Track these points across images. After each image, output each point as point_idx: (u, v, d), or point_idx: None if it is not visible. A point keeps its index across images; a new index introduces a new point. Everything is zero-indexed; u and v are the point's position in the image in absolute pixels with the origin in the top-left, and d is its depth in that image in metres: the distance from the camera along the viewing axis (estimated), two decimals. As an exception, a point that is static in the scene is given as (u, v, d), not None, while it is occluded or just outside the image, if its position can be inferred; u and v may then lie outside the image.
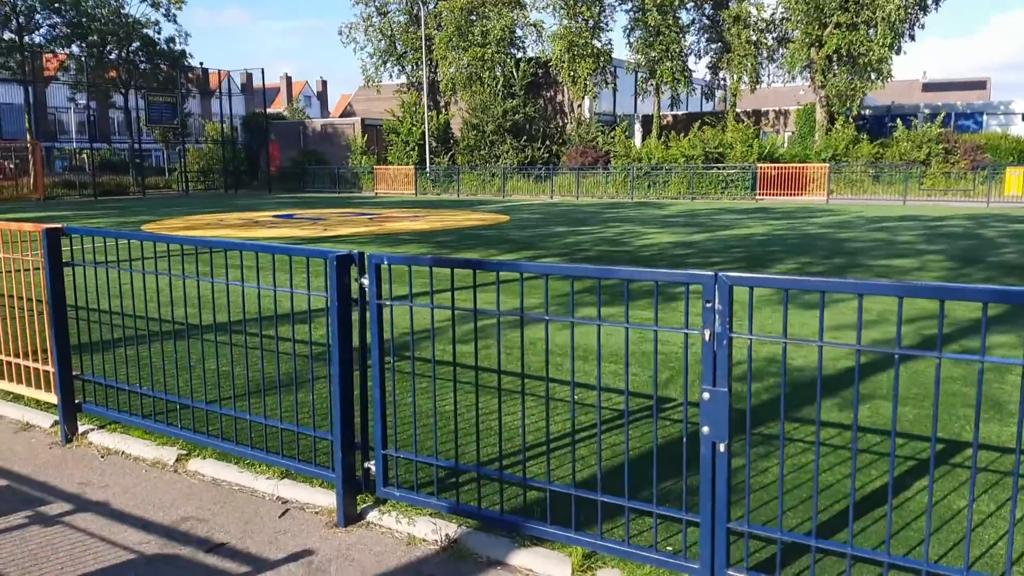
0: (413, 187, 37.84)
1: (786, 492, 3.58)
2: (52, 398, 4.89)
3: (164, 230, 18.15)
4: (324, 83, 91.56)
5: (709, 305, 2.65)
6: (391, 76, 45.27)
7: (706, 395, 2.69)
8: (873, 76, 33.69)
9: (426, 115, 39.34)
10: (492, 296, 8.01)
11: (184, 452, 4.29)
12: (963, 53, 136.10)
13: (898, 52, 33.46)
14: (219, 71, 43.88)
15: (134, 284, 4.50)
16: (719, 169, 32.12)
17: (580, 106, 39.87)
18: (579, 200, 32.38)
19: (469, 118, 39.03)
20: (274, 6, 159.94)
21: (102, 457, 4.38)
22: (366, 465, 3.62)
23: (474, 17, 39.81)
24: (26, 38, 38.66)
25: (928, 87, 64.69)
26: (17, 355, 5.32)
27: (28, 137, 37.76)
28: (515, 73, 38.82)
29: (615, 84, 39.49)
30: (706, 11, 38.20)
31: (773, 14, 36.72)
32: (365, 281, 3.51)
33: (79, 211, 26.04)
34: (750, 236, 16.11)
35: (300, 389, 4.76)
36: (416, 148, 40.26)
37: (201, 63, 54.07)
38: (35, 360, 5.12)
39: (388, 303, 3.45)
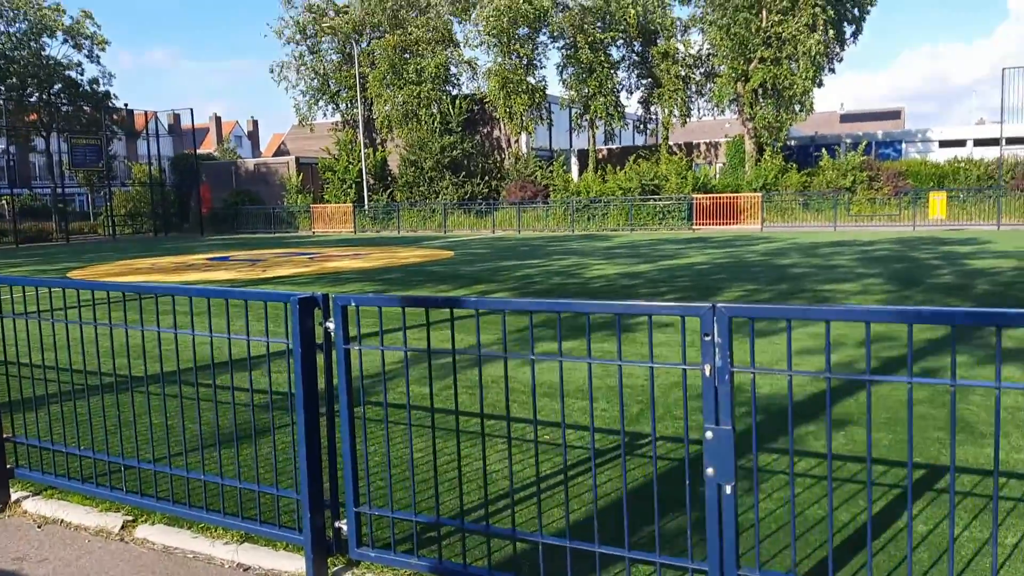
0: (352, 225, 37.37)
1: (781, 528, 3.45)
2: (-23, 465, 4.46)
3: (93, 276, 17.34)
4: (255, 123, 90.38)
5: (708, 338, 2.52)
6: (325, 115, 44.95)
7: (709, 434, 2.55)
8: (797, 108, 34.97)
9: (363, 152, 39.06)
10: (463, 335, 7.80)
11: (131, 518, 3.92)
12: (876, 85, 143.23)
13: (820, 85, 34.90)
14: (145, 112, 42.81)
15: (69, 335, 4.16)
16: (655, 201, 32.70)
17: (517, 141, 40.21)
18: (521, 234, 32.46)
19: (407, 155, 38.91)
20: (199, 47, 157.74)
21: (39, 527, 3.98)
22: (336, 524, 3.35)
23: (408, 55, 39.93)
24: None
25: (846, 118, 67.63)
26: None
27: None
28: (451, 109, 38.96)
29: (550, 119, 39.99)
30: (635, 48, 39.17)
31: (700, 50, 37.92)
32: (331, 325, 3.28)
33: (1, 259, 24.81)
34: (692, 265, 16.31)
35: (259, 443, 4.45)
36: (353, 185, 39.87)
37: (126, 104, 52.73)
38: (-43, 423, 4.69)
39: (357, 347, 3.23)
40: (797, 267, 15.30)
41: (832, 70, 37.20)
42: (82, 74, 40.98)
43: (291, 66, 43.28)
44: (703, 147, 41.55)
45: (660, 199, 32.74)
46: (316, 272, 16.86)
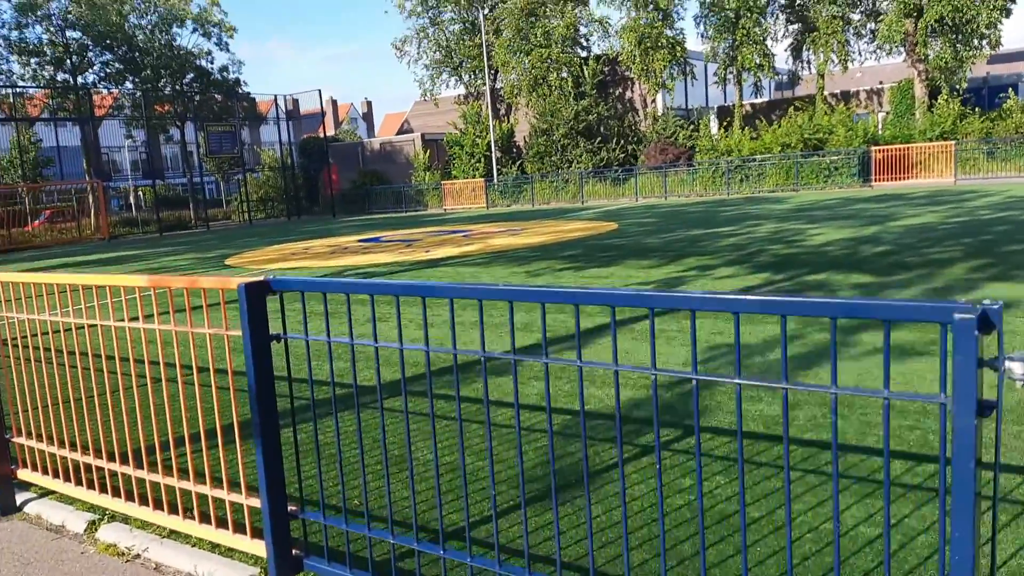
0: (483, 200, 35.94)
1: None
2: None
3: (251, 263, 16.43)
4: (369, 104, 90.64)
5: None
6: (448, 87, 43.64)
7: None
8: (980, 44, 30.72)
9: (491, 124, 37.46)
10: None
11: None
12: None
13: (1008, 14, 30.48)
14: (274, 96, 42.74)
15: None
16: (820, 156, 29.50)
17: (653, 102, 37.57)
18: (668, 200, 30.09)
19: (537, 123, 37.02)
20: (307, 35, 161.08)
21: None
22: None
23: (534, 18, 37.88)
24: (79, 78, 37.94)
25: (995, 59, 60.42)
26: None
27: (87, 177, 36.94)
28: (583, 72, 36.71)
29: (692, 75, 37.09)
30: (784, -10, 35.67)
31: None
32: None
33: (151, 248, 24.70)
34: (934, 225, 13.67)
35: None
36: (482, 159, 38.39)
37: (249, 92, 53.30)
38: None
39: None
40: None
41: (1017, -1, 32.53)
42: (212, 62, 41.18)
43: (413, 40, 42.17)
44: (863, 95, 37.58)
45: (825, 154, 29.50)
46: (484, 251, 15.28)
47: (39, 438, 4.14)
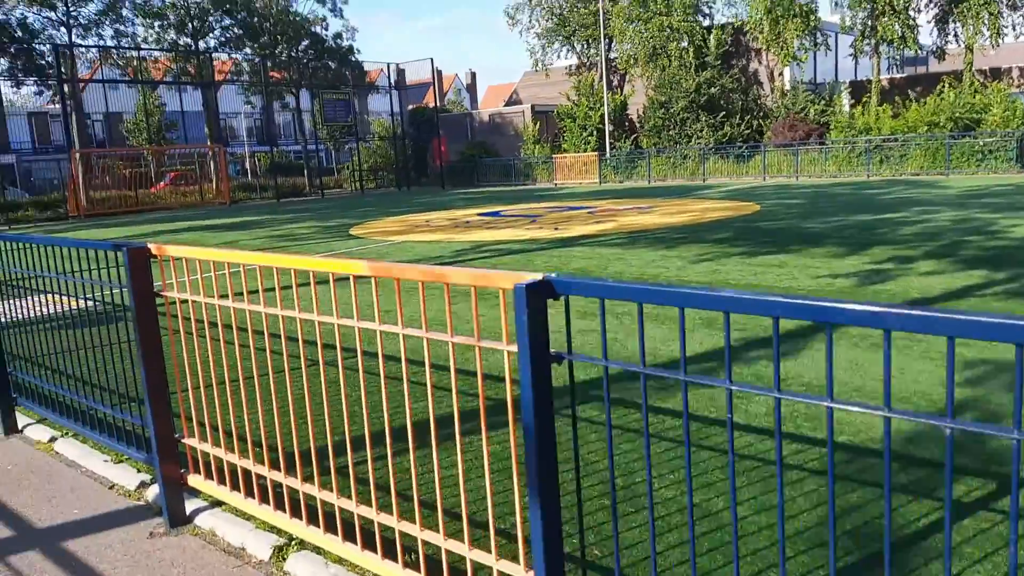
0: (595, 175, 34.78)
1: None
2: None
3: (376, 234, 16.02)
4: (473, 75, 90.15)
5: None
6: (559, 56, 42.42)
7: None
8: None
9: (606, 96, 36.13)
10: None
11: None
12: None
13: None
14: (386, 64, 42.63)
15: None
16: (972, 138, 26.93)
17: (781, 75, 35.32)
18: (799, 181, 28.21)
19: (655, 96, 35.44)
20: (412, 6, 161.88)
21: None
22: None
23: (655, -16, 36.12)
24: (200, 43, 38.74)
25: None
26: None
27: (208, 142, 37.83)
28: (707, 41, 34.81)
29: (826, 46, 34.61)
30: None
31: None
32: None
33: (272, 215, 24.87)
34: None
35: None
36: (594, 132, 37.15)
37: (361, 61, 53.49)
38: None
39: None
40: None
41: None
42: (326, 29, 41.35)
43: (525, 8, 41.11)
44: (1015, 72, 34.22)
45: (978, 136, 26.91)
46: (619, 230, 14.32)
47: (215, 442, 3.54)
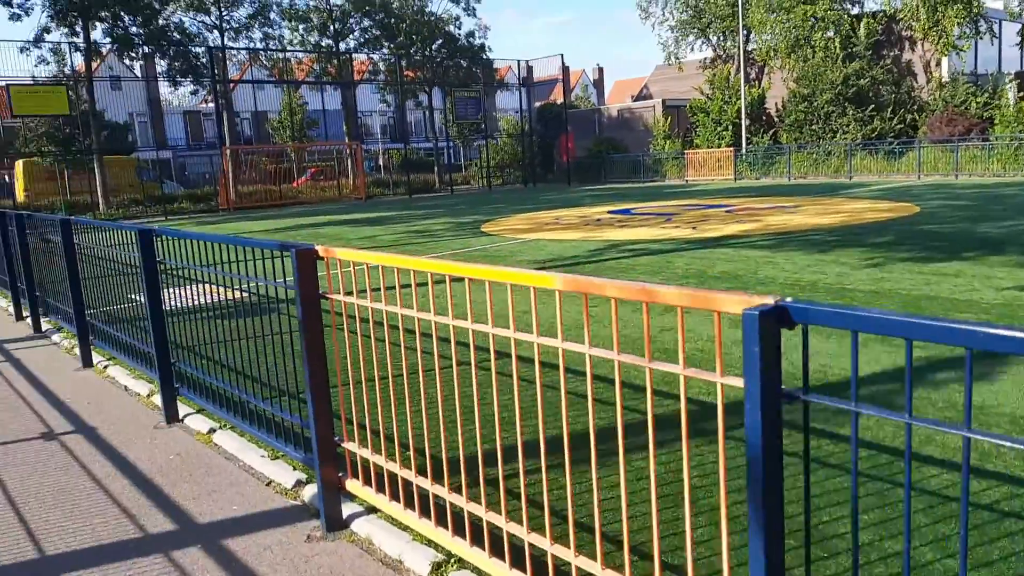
0: (730, 171, 33.50)
1: None
2: None
3: (508, 232, 15.95)
4: (600, 70, 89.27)
5: None
6: (693, 50, 41.18)
7: None
8: None
9: (742, 89, 34.70)
10: None
11: None
12: None
13: None
14: (517, 61, 42.80)
15: None
16: None
17: (938, 65, 32.74)
18: (958, 179, 26.02)
19: (797, 88, 33.70)
20: (535, 3, 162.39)
21: None
22: None
23: (799, -28, 34.33)
24: (341, 44, 40.22)
25: None
26: None
27: (347, 139, 39.26)
28: (855, 31, 32.75)
29: (991, 34, 31.79)
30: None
31: None
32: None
33: (405, 210, 25.44)
34: None
35: None
36: (729, 127, 35.78)
37: (492, 58, 54.06)
38: None
39: None
40: None
41: None
42: (459, 27, 41.94)
43: (657, 1, 40.16)
44: None
45: None
46: (763, 230, 13.55)
47: (375, 448, 3.41)
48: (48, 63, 30.62)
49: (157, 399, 5.60)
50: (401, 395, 3.20)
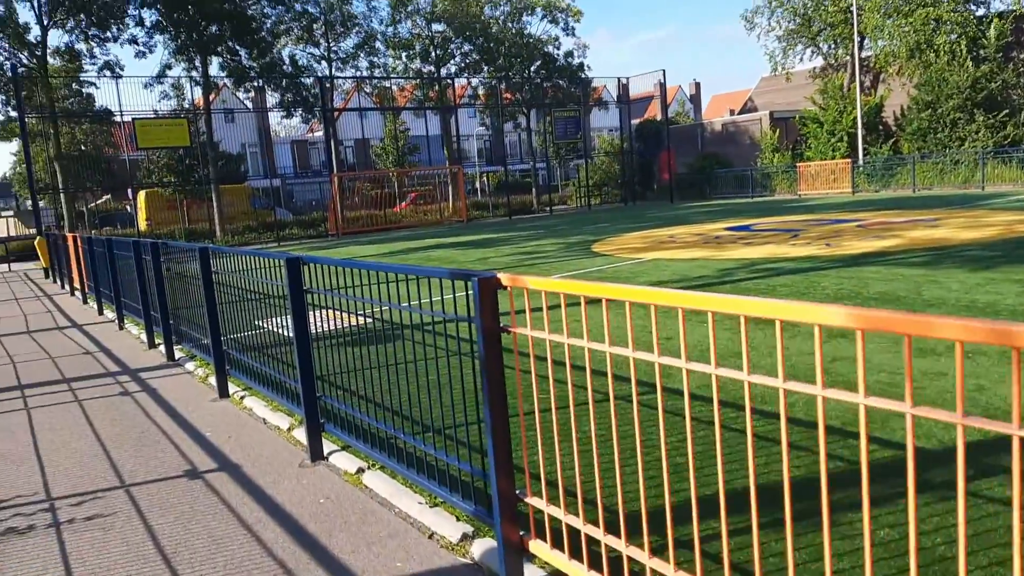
0: (847, 184, 31.79)
1: None
2: None
3: (621, 251, 15.37)
4: (698, 85, 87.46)
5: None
6: (801, 59, 39.60)
7: None
8: None
9: (858, 98, 32.98)
10: None
11: None
12: None
13: None
14: (617, 79, 42.29)
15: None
16: None
17: (1079, 65, 30.22)
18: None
19: (919, 95, 31.77)
20: (627, 22, 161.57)
21: None
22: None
23: (917, -28, 32.47)
24: (443, 69, 40.77)
25: None
26: None
27: (447, 163, 39.64)
28: (984, 33, 30.63)
29: None
30: None
31: None
32: None
33: (508, 232, 25.22)
34: None
35: None
36: (844, 138, 34.06)
37: (591, 77, 53.64)
38: None
39: None
40: None
41: None
42: (558, 48, 41.80)
43: (764, 10, 38.87)
44: None
45: None
46: (909, 246, 12.47)
47: (569, 508, 2.94)
48: (170, 97, 32.25)
49: (298, 433, 5.34)
50: (590, 442, 2.72)
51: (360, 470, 4.53)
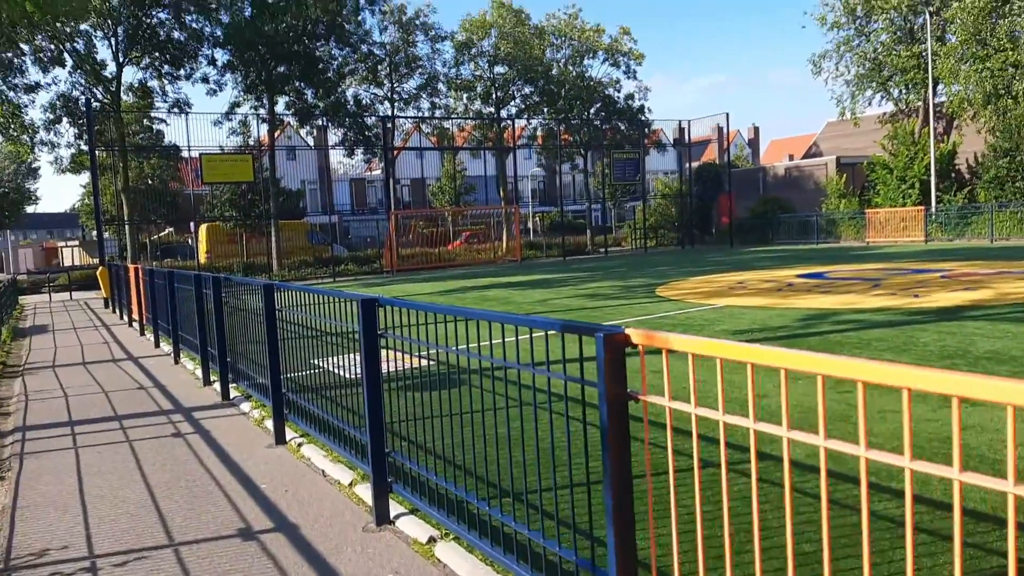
0: (919, 232, 30.54)
1: None
2: None
3: (688, 296, 14.69)
4: (756, 130, 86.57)
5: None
6: (871, 104, 38.57)
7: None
8: None
9: (931, 144, 31.84)
10: None
11: None
12: None
13: None
14: (678, 122, 41.85)
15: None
16: None
17: None
18: None
19: (997, 142, 30.53)
20: (686, 68, 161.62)
21: None
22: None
23: (994, 16, 31.44)
24: (503, 110, 40.87)
25: None
26: None
27: (502, 203, 39.49)
28: (1067, 77, 29.41)
29: None
30: None
31: None
32: None
33: (564, 273, 24.71)
34: None
35: None
36: (915, 185, 32.86)
37: (651, 120, 53.32)
38: None
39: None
40: None
41: None
42: (619, 91, 41.60)
43: (832, 55, 38.13)
44: None
45: None
46: (1003, 300, 11.55)
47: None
48: (237, 134, 32.85)
49: (360, 490, 4.84)
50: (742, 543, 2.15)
51: (431, 539, 4.00)
